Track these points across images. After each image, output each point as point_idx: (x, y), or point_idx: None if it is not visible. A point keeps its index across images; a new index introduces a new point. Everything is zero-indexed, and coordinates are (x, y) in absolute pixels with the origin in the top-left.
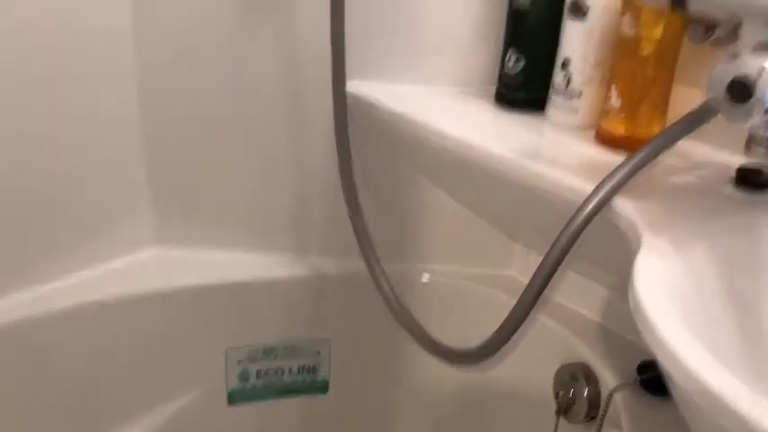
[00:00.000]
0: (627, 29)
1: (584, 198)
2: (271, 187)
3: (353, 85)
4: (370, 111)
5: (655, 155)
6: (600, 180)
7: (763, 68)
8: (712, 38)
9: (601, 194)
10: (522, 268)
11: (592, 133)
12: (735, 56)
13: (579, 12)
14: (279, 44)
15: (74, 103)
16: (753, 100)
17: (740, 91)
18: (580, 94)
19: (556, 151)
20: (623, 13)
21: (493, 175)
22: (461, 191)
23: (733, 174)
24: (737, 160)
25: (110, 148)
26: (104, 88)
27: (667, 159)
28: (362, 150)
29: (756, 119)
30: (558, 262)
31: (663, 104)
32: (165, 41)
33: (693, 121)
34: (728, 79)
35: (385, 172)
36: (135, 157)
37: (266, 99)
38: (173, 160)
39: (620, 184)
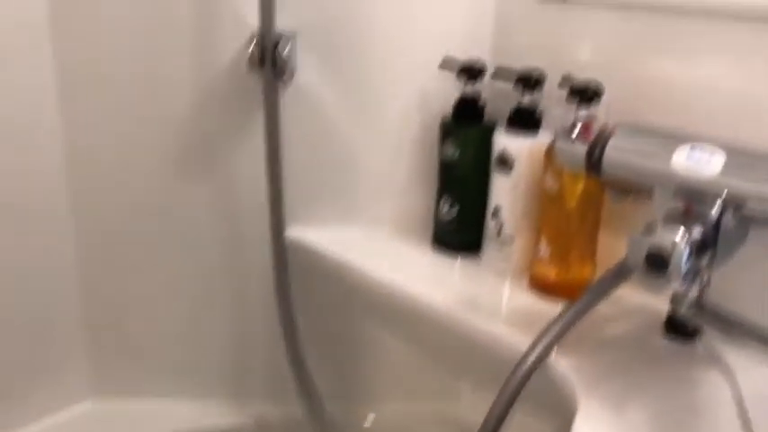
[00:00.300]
0: (549, 184)
1: (520, 354)
2: (210, 334)
3: (293, 231)
4: (309, 256)
5: (586, 310)
6: (536, 334)
7: (674, 242)
8: (630, 196)
9: (536, 352)
10: (471, 406)
11: (526, 279)
12: (650, 228)
13: (504, 165)
14: (216, 193)
15: (4, 248)
16: (669, 271)
17: (657, 264)
18: (512, 241)
19: (492, 300)
20: (546, 169)
21: (432, 324)
22: (404, 335)
23: (663, 321)
24: (666, 306)
25: (42, 299)
26: (38, 239)
27: (599, 306)
28: (304, 294)
29: (675, 287)
30: (500, 421)
31: (591, 251)
32: (103, 205)
33: (621, 273)
34: (645, 251)
35: (327, 314)
36: (69, 309)
37: (205, 247)
38: (110, 309)
39: (555, 340)
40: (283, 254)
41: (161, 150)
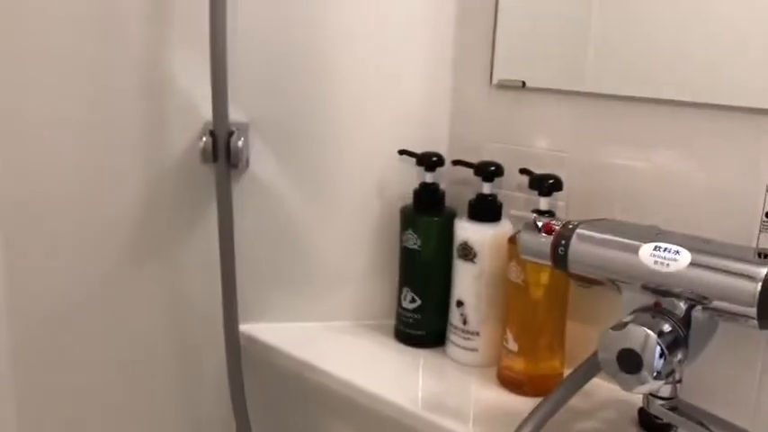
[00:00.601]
0: (514, 274)
1: None
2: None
3: (247, 326)
4: (264, 352)
5: (558, 407)
6: None
7: (646, 338)
8: (595, 285)
9: None
10: None
11: (493, 371)
12: (620, 325)
13: (467, 255)
14: (166, 287)
15: None
16: (643, 370)
17: (630, 363)
18: (477, 333)
19: (459, 398)
20: (510, 259)
21: (396, 425)
22: None
23: (636, 414)
24: (639, 397)
25: None
26: None
27: (571, 400)
28: (260, 392)
29: (649, 386)
30: None
31: (559, 342)
32: (40, 294)
33: (593, 368)
34: (617, 349)
35: (284, 414)
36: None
37: (154, 346)
38: (45, 405)
39: None
40: (237, 350)
41: (108, 242)
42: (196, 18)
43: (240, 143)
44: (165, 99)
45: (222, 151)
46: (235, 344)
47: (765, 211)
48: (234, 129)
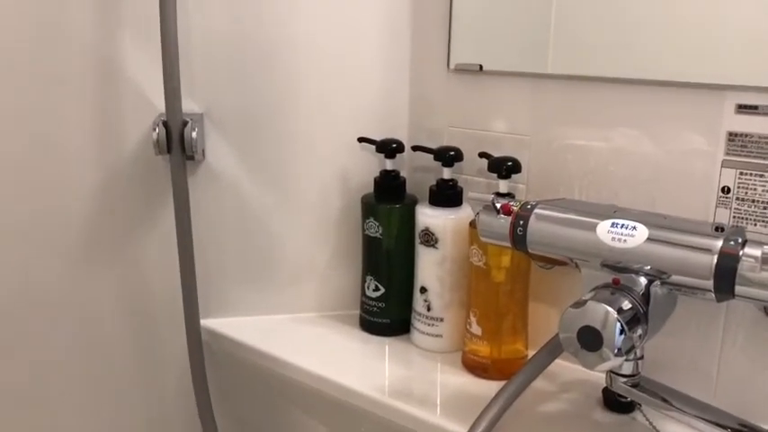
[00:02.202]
0: (476, 258)
1: None
2: None
3: (210, 322)
4: (228, 347)
5: (522, 389)
6: (473, 419)
7: (606, 315)
8: (555, 265)
9: None
10: None
11: (458, 356)
12: (580, 303)
13: (429, 241)
14: (124, 285)
15: None
16: (603, 347)
17: (590, 340)
18: (441, 319)
19: (424, 385)
20: (471, 244)
21: (363, 414)
22: (333, 427)
23: (600, 394)
24: (602, 377)
25: None
26: None
27: (535, 382)
28: (225, 389)
29: (610, 363)
30: None
31: (522, 324)
32: None
33: (555, 349)
34: (577, 327)
35: (251, 409)
36: None
37: (114, 344)
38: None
39: (493, 424)
40: (199, 346)
41: (60, 239)
42: (146, 8)
43: (194, 134)
44: (117, 91)
45: (176, 142)
46: (197, 340)
47: (721, 186)
48: (188, 119)
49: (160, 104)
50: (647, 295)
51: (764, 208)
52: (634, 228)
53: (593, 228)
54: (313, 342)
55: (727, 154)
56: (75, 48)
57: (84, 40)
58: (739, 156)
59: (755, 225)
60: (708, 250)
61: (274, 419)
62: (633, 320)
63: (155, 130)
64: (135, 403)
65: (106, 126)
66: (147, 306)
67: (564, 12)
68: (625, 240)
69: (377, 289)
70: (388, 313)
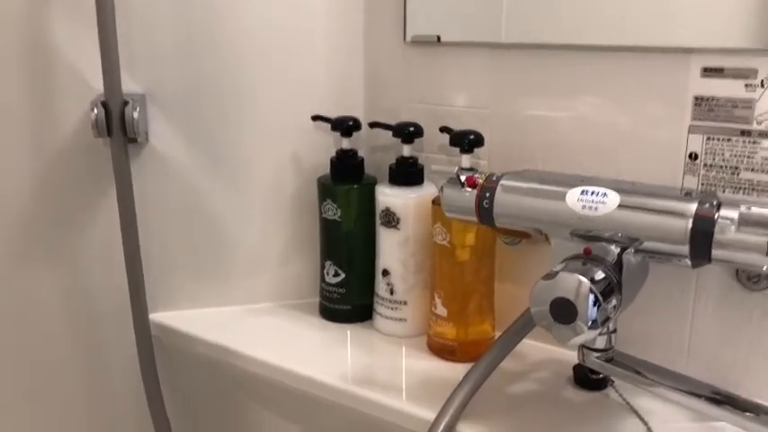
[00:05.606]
0: (439, 238)
1: (426, 427)
2: None
3: (159, 315)
4: (180, 342)
5: (491, 370)
6: (441, 403)
7: (579, 285)
8: (525, 241)
9: (443, 424)
10: None
11: (423, 340)
12: (552, 274)
13: (390, 222)
14: (67, 279)
15: None
16: (577, 319)
17: (563, 312)
18: (405, 303)
19: (389, 371)
20: (434, 222)
21: (327, 405)
22: (295, 420)
23: (571, 372)
24: (573, 355)
25: None
26: None
27: (505, 363)
28: (178, 386)
29: (584, 336)
30: None
31: (489, 304)
32: None
33: (525, 327)
34: (549, 299)
35: (206, 406)
36: None
37: (56, 347)
38: None
39: (461, 408)
40: (149, 342)
41: None
42: None
43: (136, 114)
44: (52, 72)
45: (117, 123)
46: (146, 335)
47: (688, 152)
48: (128, 99)
49: (98, 86)
50: (619, 264)
51: (733, 173)
52: (605, 194)
53: (562, 197)
54: (270, 332)
55: (694, 119)
56: (5, 28)
57: (9, 14)
58: (706, 120)
59: (724, 191)
60: (682, 214)
61: (232, 416)
62: (607, 290)
63: (93, 110)
64: (82, 406)
65: (40, 109)
66: (91, 302)
67: None
68: (596, 208)
69: (336, 274)
70: (348, 299)
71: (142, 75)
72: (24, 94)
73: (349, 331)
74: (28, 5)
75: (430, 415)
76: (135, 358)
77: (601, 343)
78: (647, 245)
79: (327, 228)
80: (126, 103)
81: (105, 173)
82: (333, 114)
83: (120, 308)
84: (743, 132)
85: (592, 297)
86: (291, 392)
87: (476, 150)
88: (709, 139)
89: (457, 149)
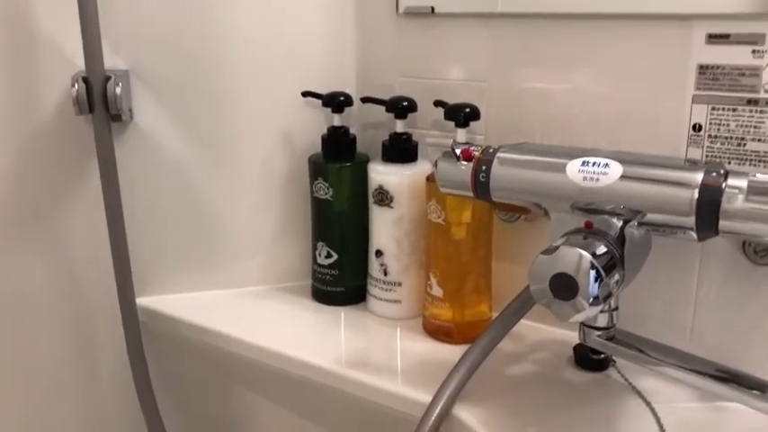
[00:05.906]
0: (434, 216)
1: (422, 410)
2: (59, 426)
3: (147, 300)
4: (169, 327)
5: (488, 351)
6: (437, 386)
7: (580, 259)
8: (523, 218)
9: (439, 407)
10: None
11: (419, 322)
12: (552, 249)
13: (384, 200)
14: (51, 262)
15: None
16: (578, 295)
17: (563, 288)
18: (399, 284)
19: (384, 353)
20: (429, 200)
21: (320, 389)
22: (288, 404)
23: (571, 353)
24: (573, 335)
25: None
26: None
27: (503, 345)
28: (167, 371)
29: (586, 313)
30: None
31: (486, 284)
32: None
33: (523, 306)
34: (549, 275)
35: (196, 391)
36: None
37: (39, 334)
38: None
39: (458, 391)
40: (136, 327)
41: None
42: None
43: (118, 90)
44: (31, 47)
45: (99, 99)
46: (133, 319)
47: (692, 123)
48: (111, 74)
49: (80, 62)
50: (622, 238)
51: (738, 144)
52: (606, 165)
53: (562, 168)
54: (262, 316)
55: (698, 88)
56: None
57: None
58: (711, 90)
59: (729, 163)
60: (687, 184)
61: (223, 401)
62: (609, 265)
63: (74, 86)
64: (69, 396)
65: (18, 85)
66: (76, 287)
67: None
68: (597, 179)
69: (329, 256)
70: (342, 281)
71: (126, 50)
72: (2, 71)
73: (343, 314)
74: None
75: (426, 398)
76: (122, 345)
77: (602, 321)
78: (651, 217)
79: (319, 208)
80: (108, 78)
81: (89, 152)
82: (324, 90)
83: (106, 293)
84: (749, 101)
85: (593, 272)
86: (284, 376)
87: (471, 124)
88: (713, 109)
89: (452, 124)
